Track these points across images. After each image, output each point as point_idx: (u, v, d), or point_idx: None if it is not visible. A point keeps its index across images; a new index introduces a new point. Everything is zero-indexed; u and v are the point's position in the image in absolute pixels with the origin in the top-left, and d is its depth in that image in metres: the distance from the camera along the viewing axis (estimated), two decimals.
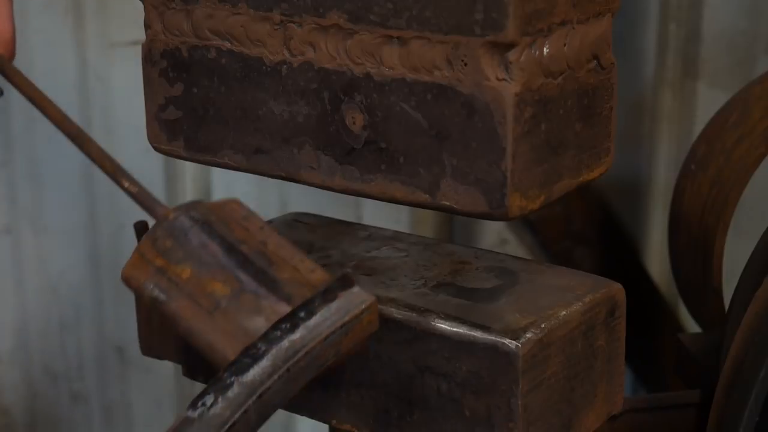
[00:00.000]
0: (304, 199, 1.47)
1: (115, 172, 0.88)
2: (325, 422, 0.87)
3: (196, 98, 0.85)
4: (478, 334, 0.78)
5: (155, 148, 0.89)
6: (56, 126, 0.95)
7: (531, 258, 1.85)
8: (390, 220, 1.66)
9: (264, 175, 0.84)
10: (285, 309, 0.73)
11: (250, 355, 0.72)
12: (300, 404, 0.87)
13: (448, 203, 0.76)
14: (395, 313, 0.81)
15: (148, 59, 0.88)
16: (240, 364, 0.71)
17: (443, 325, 0.79)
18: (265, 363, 0.71)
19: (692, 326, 1.68)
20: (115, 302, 1.74)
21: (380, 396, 0.83)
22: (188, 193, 1.68)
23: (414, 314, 0.81)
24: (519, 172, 0.73)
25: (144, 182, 1.10)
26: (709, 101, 1.81)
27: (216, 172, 1.75)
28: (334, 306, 0.73)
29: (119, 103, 1.68)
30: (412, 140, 0.76)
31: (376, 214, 1.67)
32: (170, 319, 0.77)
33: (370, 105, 0.77)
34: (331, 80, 0.79)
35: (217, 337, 0.73)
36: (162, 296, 0.76)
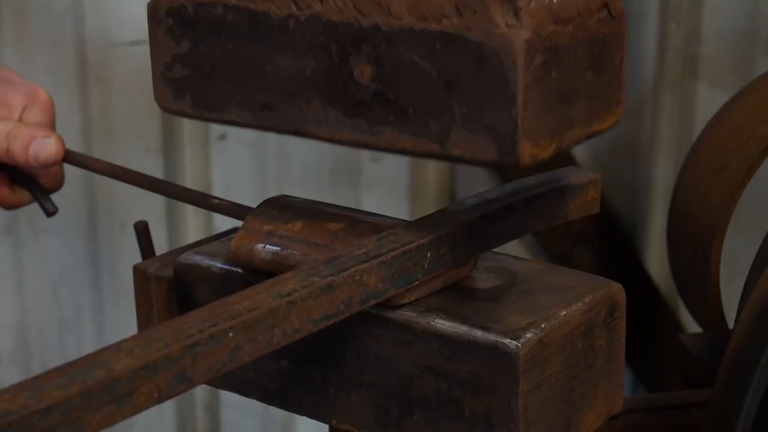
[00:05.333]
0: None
1: (202, 197, 1.01)
2: (325, 422, 0.87)
3: (203, 55, 0.85)
4: (478, 334, 0.78)
5: (162, 108, 0.88)
6: (140, 187, 1.05)
7: (531, 258, 1.85)
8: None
9: (272, 131, 0.83)
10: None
11: (497, 187, 0.87)
12: (300, 404, 0.87)
13: (458, 153, 0.75)
14: (395, 313, 0.81)
15: (153, 18, 0.87)
16: (484, 192, 0.86)
17: (443, 325, 0.79)
18: (507, 191, 0.85)
19: (692, 326, 1.69)
20: (115, 302, 1.74)
21: (380, 396, 0.83)
22: None
23: (414, 314, 0.81)
24: (529, 119, 0.72)
25: None
26: (709, 101, 1.81)
27: (216, 172, 1.75)
28: (563, 173, 0.88)
29: (119, 103, 1.68)
30: (421, 90, 0.75)
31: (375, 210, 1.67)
32: (285, 266, 0.83)
33: (378, 56, 0.76)
34: (338, 33, 0.78)
35: None
36: (275, 249, 0.85)
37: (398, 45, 0.76)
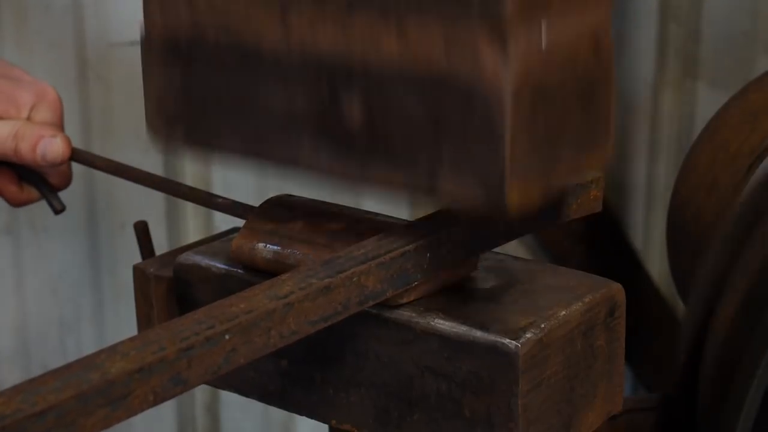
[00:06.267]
0: None
1: (207, 196, 1.02)
2: (325, 422, 0.87)
3: (195, 87, 0.85)
4: (478, 334, 0.78)
5: (153, 139, 0.88)
6: (146, 185, 1.06)
7: (531, 258, 1.84)
8: None
9: (262, 164, 0.84)
10: (404, 224, 0.83)
11: None
12: (300, 404, 0.87)
13: (446, 199, 0.75)
14: (395, 313, 0.81)
15: (146, 48, 0.87)
16: None
17: (443, 325, 0.79)
18: None
19: None
20: (115, 302, 1.74)
21: (380, 396, 0.83)
22: None
23: (414, 314, 0.81)
24: (518, 162, 0.71)
25: None
26: (709, 101, 1.81)
27: (216, 172, 1.75)
28: None
29: (119, 103, 1.68)
30: (410, 129, 0.75)
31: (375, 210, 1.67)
32: (286, 265, 0.83)
33: (368, 93, 0.76)
34: (329, 68, 0.78)
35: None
36: (276, 248, 0.85)
37: (388, 85, 0.75)
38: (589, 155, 0.78)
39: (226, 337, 0.66)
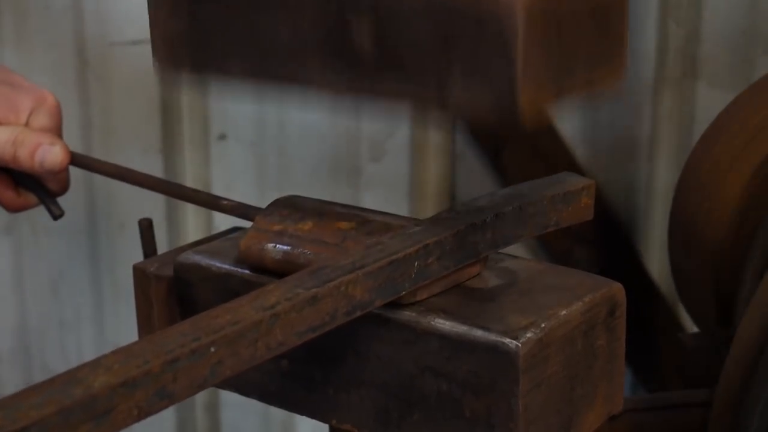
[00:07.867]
0: None
1: (212, 198, 1.02)
2: (325, 422, 0.87)
3: (201, 11, 0.82)
4: (478, 334, 0.78)
5: (160, 68, 0.87)
6: (148, 188, 1.06)
7: (531, 258, 1.84)
8: None
9: (271, 88, 0.82)
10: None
11: (488, 193, 0.86)
12: (300, 404, 0.87)
13: (456, 112, 0.74)
14: (396, 313, 0.81)
15: None
16: (475, 199, 0.84)
17: (444, 325, 0.79)
18: (499, 198, 0.84)
19: (692, 326, 1.69)
20: (115, 302, 1.74)
21: (380, 396, 0.83)
22: None
23: (415, 314, 0.81)
24: (529, 81, 0.70)
25: None
26: (709, 101, 1.81)
27: (216, 172, 1.75)
28: (556, 179, 0.87)
29: (119, 103, 1.68)
30: (420, 45, 0.73)
31: None
32: (296, 265, 0.83)
33: (377, 12, 0.74)
34: None
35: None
36: (286, 248, 0.85)
37: (396, 4, 0.74)
38: (602, 70, 0.76)
39: (212, 349, 0.65)
